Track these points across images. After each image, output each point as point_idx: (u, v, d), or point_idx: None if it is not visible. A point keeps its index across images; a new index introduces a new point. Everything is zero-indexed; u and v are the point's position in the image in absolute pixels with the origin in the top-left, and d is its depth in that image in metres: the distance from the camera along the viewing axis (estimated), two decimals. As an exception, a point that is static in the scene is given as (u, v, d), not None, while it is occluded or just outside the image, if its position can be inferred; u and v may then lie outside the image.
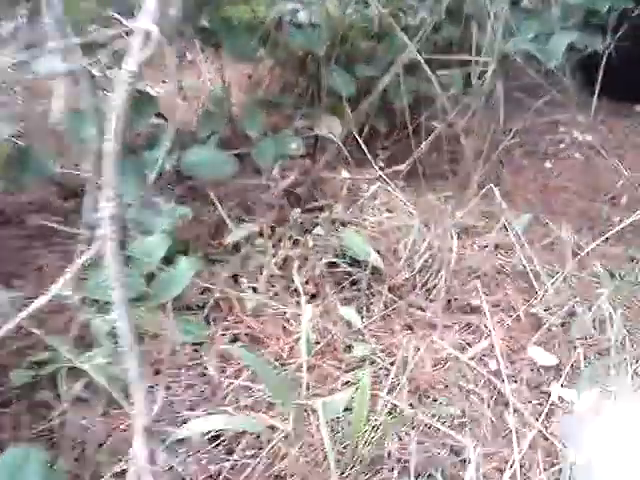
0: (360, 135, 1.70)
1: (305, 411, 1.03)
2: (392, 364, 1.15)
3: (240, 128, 1.59)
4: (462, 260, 1.42)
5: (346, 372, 1.13)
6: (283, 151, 1.54)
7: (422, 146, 1.74)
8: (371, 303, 1.28)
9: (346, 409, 1.00)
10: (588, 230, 1.74)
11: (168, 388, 1.08)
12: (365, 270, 1.29)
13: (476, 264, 1.42)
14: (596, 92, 2.09)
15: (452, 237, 1.41)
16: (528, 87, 2.12)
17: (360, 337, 1.21)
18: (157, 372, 1.12)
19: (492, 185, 1.76)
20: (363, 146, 1.60)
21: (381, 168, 1.69)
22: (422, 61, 1.56)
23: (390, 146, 1.90)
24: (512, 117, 2.09)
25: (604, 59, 1.98)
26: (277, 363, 1.14)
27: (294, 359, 1.15)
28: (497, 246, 1.52)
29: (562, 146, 2.31)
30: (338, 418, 1.02)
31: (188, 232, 1.32)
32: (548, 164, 2.19)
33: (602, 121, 2.44)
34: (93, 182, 1.21)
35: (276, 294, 1.27)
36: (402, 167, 1.73)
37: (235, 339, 1.20)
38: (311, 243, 1.35)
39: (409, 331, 1.25)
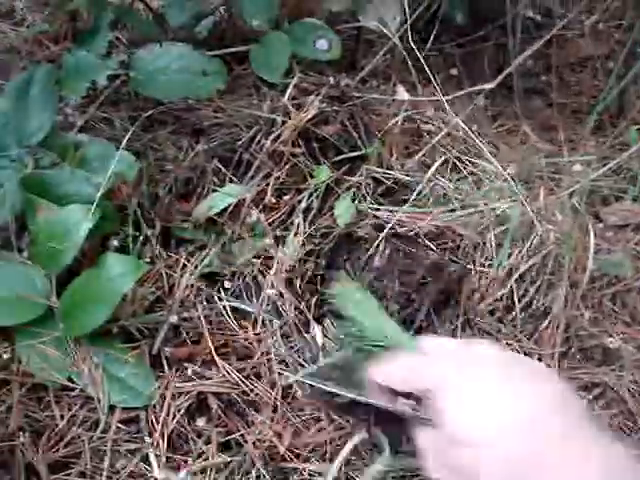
0: (425, 28, 1.09)
1: None
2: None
3: (238, 12, 0.98)
4: (585, 255, 0.85)
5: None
6: (304, 53, 0.94)
7: (515, 50, 1.13)
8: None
9: None
10: None
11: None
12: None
13: (612, 266, 0.86)
14: None
15: (581, 219, 0.83)
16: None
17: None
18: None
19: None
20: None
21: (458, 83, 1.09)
22: None
23: (467, 46, 1.27)
24: None
25: None
26: (264, 470, 0.62)
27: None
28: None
29: None
30: None
31: (132, 194, 0.77)
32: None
33: None
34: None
35: (284, 325, 0.73)
36: (488, 85, 1.11)
37: (202, 399, 0.69)
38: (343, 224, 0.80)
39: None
